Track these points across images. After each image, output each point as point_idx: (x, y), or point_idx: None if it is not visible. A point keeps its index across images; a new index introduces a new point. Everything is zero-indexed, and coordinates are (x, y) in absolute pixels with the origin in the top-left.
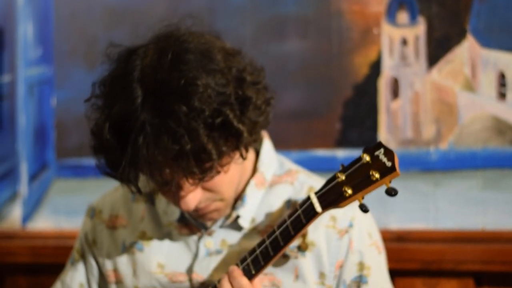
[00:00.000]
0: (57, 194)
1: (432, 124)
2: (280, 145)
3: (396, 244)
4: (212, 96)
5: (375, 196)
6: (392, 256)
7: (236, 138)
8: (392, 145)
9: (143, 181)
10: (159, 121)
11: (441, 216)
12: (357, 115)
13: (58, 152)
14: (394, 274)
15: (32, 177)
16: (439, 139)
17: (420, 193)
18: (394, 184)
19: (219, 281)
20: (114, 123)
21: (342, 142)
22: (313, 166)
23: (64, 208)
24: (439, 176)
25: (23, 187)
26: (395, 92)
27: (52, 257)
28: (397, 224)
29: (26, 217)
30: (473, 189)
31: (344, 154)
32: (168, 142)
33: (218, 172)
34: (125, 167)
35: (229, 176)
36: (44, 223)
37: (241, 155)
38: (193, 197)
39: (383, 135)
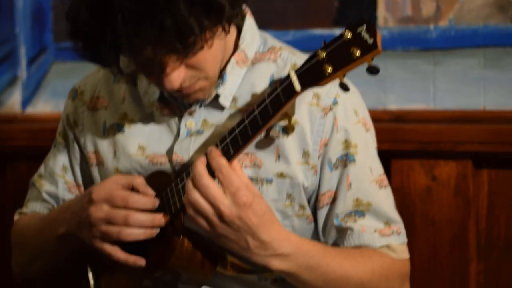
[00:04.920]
0: (56, 77)
1: (432, 0)
2: (276, 25)
3: (394, 124)
4: None
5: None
6: (390, 137)
7: (217, 12)
8: (390, 23)
9: (124, 61)
10: None
11: (440, 96)
12: None
13: (56, 35)
14: (391, 155)
15: (31, 61)
16: (439, 16)
17: (419, 72)
18: (392, 63)
19: None
20: (90, 2)
21: (340, 20)
22: (310, 45)
23: (63, 91)
24: (439, 54)
25: (22, 71)
26: None
27: (51, 141)
28: (395, 104)
29: (26, 101)
30: (474, 68)
31: None
32: (149, 19)
33: (202, 48)
34: (105, 48)
35: (213, 52)
36: (44, 106)
37: (224, 29)
38: (178, 75)
39: (382, 13)
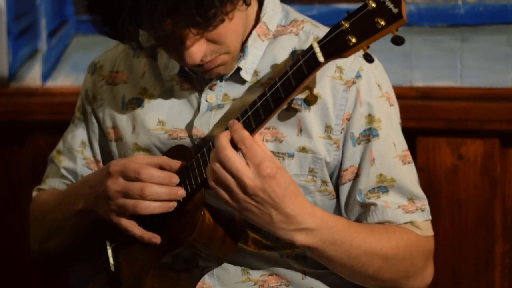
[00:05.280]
0: (77, 50)
1: None
2: (301, 0)
3: (420, 101)
4: None
5: (400, 52)
6: (416, 114)
7: None
8: None
9: (144, 35)
10: None
11: (468, 73)
12: None
13: (77, 7)
14: (417, 133)
15: (51, 33)
16: None
17: (446, 48)
18: (419, 39)
19: None
20: None
21: None
22: (335, 20)
23: (83, 65)
24: (466, 31)
25: (43, 44)
26: None
27: (71, 115)
28: (422, 81)
29: (46, 74)
30: (502, 45)
31: None
32: None
33: (222, 21)
34: (124, 21)
35: (234, 25)
36: (64, 80)
37: (244, 2)
38: (198, 50)
39: None
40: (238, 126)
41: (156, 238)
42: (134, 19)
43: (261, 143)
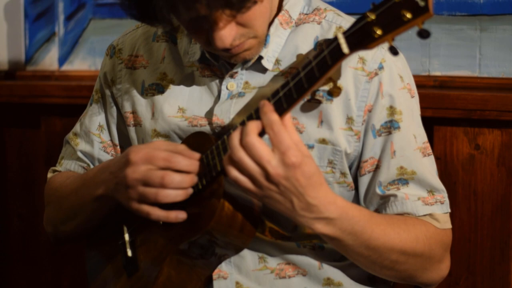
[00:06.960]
0: (94, 34)
1: None
2: None
3: (438, 90)
4: None
5: (418, 40)
6: (433, 103)
7: None
8: None
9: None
10: None
11: (486, 63)
12: None
13: None
14: (434, 122)
15: (69, 17)
16: None
17: (465, 38)
18: (438, 28)
19: (241, 123)
20: None
21: None
22: (355, 8)
23: (100, 48)
24: (485, 20)
25: (60, 27)
26: None
27: (87, 98)
28: (440, 70)
29: (63, 58)
30: None
31: None
32: None
33: (255, 2)
34: (157, 3)
35: (262, 8)
36: (81, 63)
37: None
38: (229, 33)
39: None
40: (268, 108)
41: (182, 214)
42: (167, 1)
43: (290, 127)
